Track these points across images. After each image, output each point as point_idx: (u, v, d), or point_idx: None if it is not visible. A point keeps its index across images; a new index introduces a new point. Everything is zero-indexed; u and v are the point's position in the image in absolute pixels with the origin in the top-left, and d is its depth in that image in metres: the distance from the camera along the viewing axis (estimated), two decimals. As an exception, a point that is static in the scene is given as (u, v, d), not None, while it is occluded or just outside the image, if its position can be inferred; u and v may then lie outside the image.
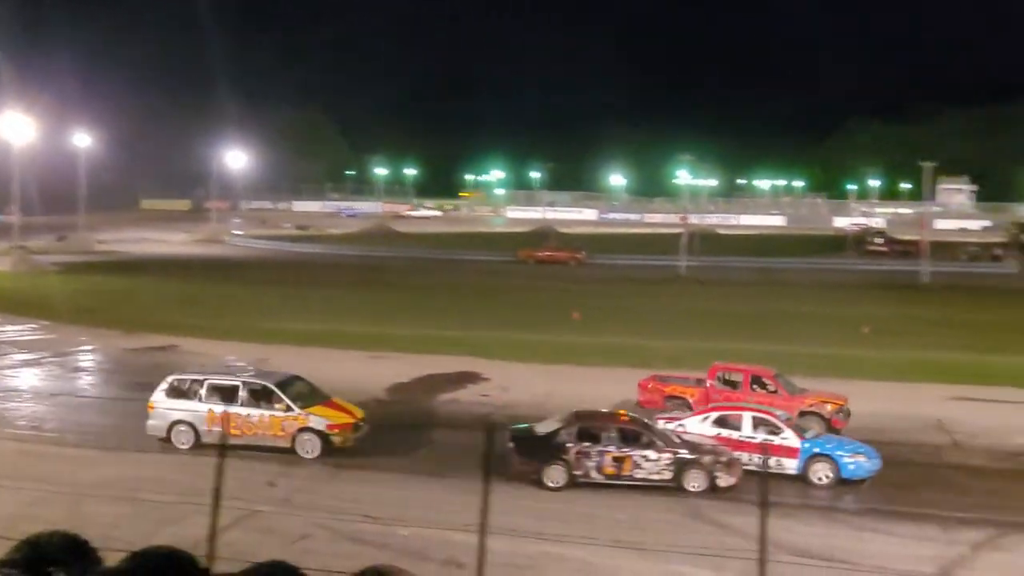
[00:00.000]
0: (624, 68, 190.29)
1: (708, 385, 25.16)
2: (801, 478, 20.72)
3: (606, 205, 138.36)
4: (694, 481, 19.75)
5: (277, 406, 21.75)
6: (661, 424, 21.58)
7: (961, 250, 76.96)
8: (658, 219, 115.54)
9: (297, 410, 21.72)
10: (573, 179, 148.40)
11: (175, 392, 22.37)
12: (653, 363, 32.19)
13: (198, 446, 21.50)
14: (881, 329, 38.89)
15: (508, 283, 58.02)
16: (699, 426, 21.62)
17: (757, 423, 21.36)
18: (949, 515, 18.58)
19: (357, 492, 19.18)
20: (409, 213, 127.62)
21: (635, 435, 20.26)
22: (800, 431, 21.49)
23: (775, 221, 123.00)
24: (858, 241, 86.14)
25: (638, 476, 20.00)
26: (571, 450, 19.98)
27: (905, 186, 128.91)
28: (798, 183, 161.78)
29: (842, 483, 20.65)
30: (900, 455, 22.39)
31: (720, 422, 21.63)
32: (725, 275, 62.74)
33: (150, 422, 22.32)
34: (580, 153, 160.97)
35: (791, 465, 20.79)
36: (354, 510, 17.74)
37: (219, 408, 21.75)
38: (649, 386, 25.86)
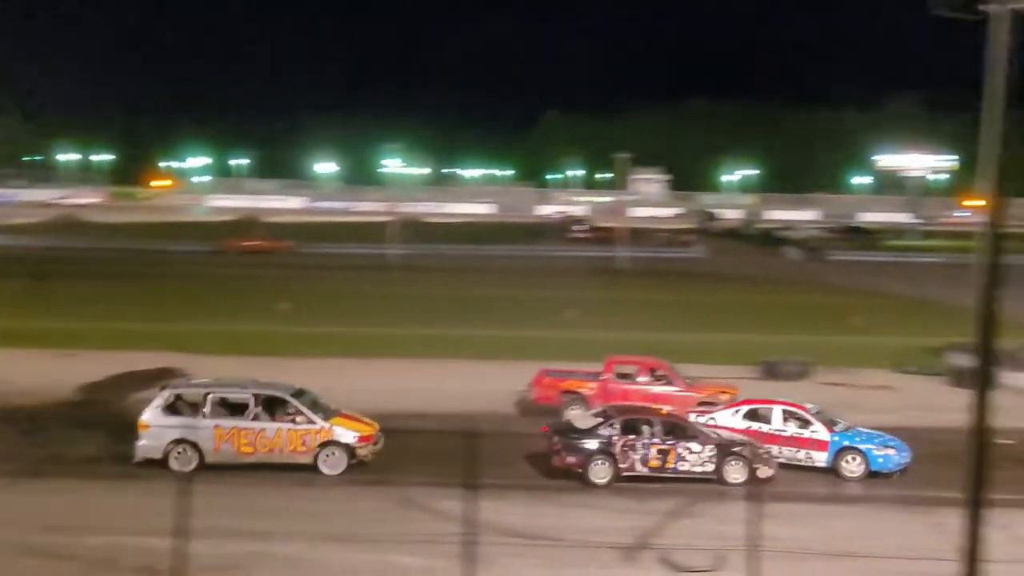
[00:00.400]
0: (333, 55, 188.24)
1: (605, 379, 25.03)
2: (832, 471, 21.13)
3: (315, 193, 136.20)
4: (735, 473, 19.94)
5: (299, 419, 19.95)
6: (692, 418, 21.73)
7: (655, 236, 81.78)
8: (368, 208, 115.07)
9: (320, 422, 19.97)
10: (280, 167, 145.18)
11: (172, 408, 20.08)
12: (364, 352, 31.96)
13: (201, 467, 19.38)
14: (585, 311, 40.55)
15: (211, 273, 55.74)
16: (730, 419, 21.83)
17: (787, 416, 21.64)
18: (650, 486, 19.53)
19: (37, 503, 17.62)
20: (89, 201, 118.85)
21: (679, 428, 20.37)
22: (830, 424, 21.72)
23: (483, 209, 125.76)
24: (561, 228, 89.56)
25: (681, 469, 19.90)
26: (616, 443, 19.84)
27: (603, 176, 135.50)
28: (505, 172, 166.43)
29: (872, 475, 21.05)
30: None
31: (751, 415, 21.90)
32: (435, 262, 63.35)
33: (142, 443, 19.87)
34: (287, 141, 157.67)
35: (821, 458, 21.17)
36: (34, 522, 16.28)
37: (228, 423, 19.75)
38: (544, 381, 25.27)
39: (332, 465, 19.92)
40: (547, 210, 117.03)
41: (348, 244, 70.73)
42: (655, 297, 48.60)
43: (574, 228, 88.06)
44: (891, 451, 21.24)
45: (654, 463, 20.04)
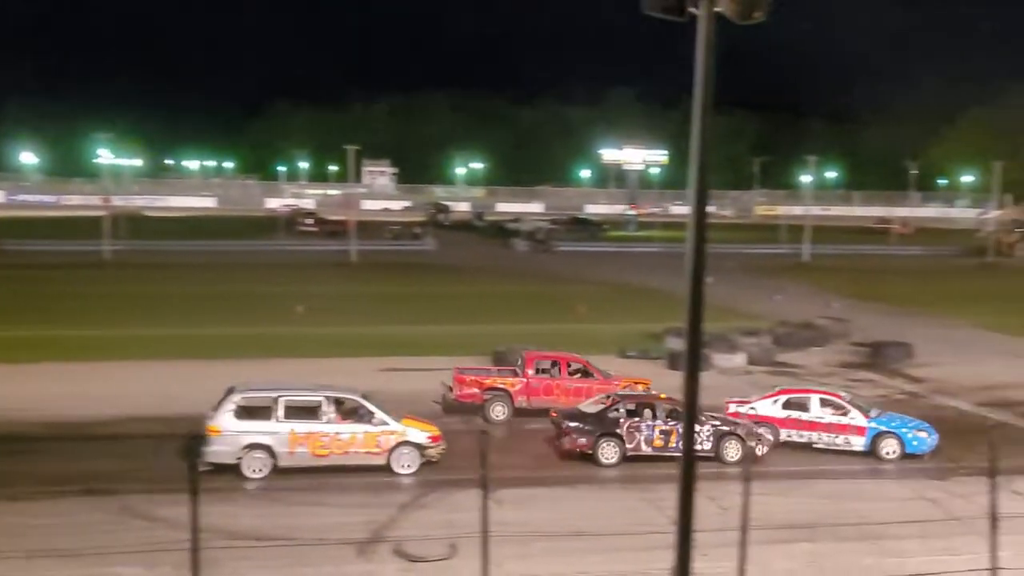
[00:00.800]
0: (36, 36, 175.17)
1: (527, 375, 25.46)
2: (871, 454, 22.42)
3: (15, 186, 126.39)
4: (732, 451, 21.45)
5: (374, 420, 20.02)
6: (733, 408, 23.11)
7: (386, 229, 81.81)
8: (78, 201, 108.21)
9: (394, 424, 20.21)
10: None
11: (244, 412, 19.60)
12: (86, 354, 30.35)
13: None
14: (315, 307, 39.99)
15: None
16: (770, 408, 23.09)
17: (824, 404, 22.92)
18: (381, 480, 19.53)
19: None
20: None
21: (679, 411, 20.58)
22: (865, 411, 22.87)
23: (206, 202, 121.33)
24: (290, 222, 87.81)
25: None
26: (623, 425, 21.24)
27: (333, 168, 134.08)
28: (228, 164, 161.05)
29: (906, 457, 22.32)
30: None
31: (789, 404, 23.12)
32: (156, 258, 60.45)
33: (213, 448, 19.19)
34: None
35: (858, 443, 22.50)
36: None
37: (303, 427, 19.72)
38: (468, 379, 25.42)
39: (406, 465, 20.33)
40: (275, 203, 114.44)
41: (57, 240, 66.10)
42: (386, 290, 48.67)
43: (303, 221, 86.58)
44: (923, 434, 22.69)
45: (658, 443, 21.52)
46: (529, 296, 48.44)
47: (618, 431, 21.49)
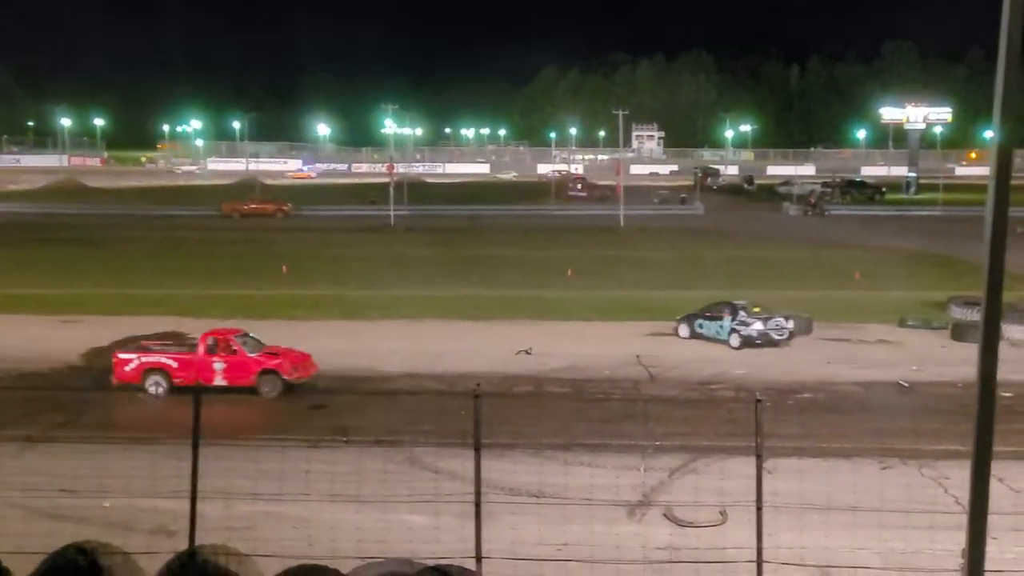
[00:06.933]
0: (329, 16, 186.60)
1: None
2: None
3: (312, 155, 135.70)
4: None
5: None
6: None
7: (654, 194, 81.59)
8: (365, 169, 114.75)
9: None
10: (277, 129, 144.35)
11: None
12: (365, 313, 32.18)
13: None
14: (583, 271, 40.60)
15: (212, 237, 55.73)
16: None
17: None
18: (648, 444, 19.67)
19: (51, 466, 17.74)
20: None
21: None
22: None
23: (481, 169, 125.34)
24: (559, 187, 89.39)
25: None
26: None
27: (601, 134, 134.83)
28: (501, 131, 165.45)
29: None
30: (604, 391, 23.48)
31: None
32: (434, 223, 63.28)
33: None
34: (284, 102, 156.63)
35: None
36: (48, 485, 16.40)
37: None
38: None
39: None
40: (545, 169, 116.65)
41: (347, 206, 70.53)
42: (651, 256, 48.50)
43: (573, 186, 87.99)
44: None
45: None
46: (798, 261, 46.94)
47: None
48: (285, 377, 23.86)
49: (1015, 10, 6.92)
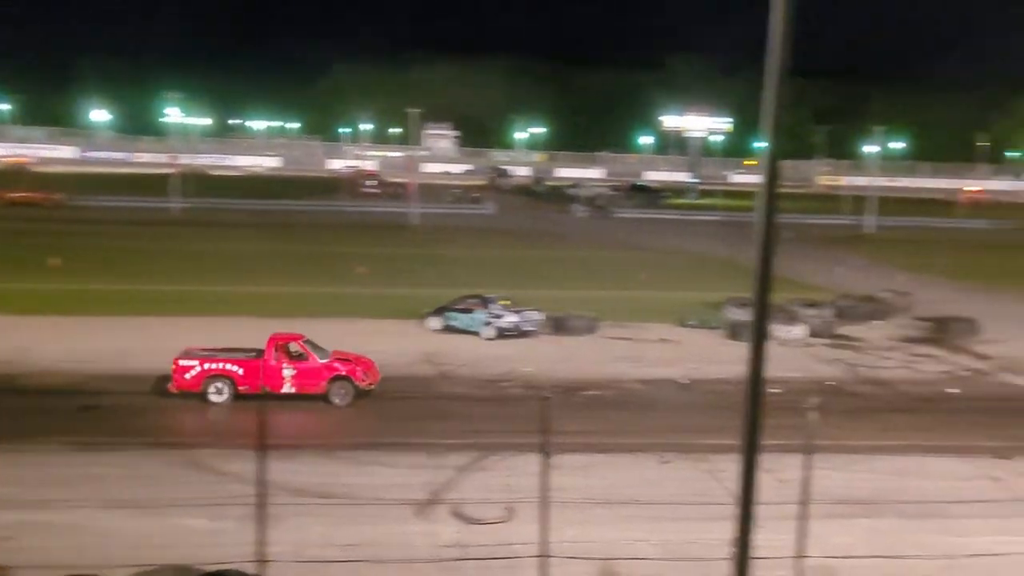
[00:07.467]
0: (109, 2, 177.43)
1: None
2: None
3: (88, 143, 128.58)
4: None
5: None
6: None
7: (446, 192, 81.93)
8: (147, 159, 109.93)
9: None
10: (48, 114, 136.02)
11: None
12: (151, 309, 30.91)
13: None
14: (375, 268, 40.31)
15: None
16: None
17: None
18: (437, 442, 19.70)
19: None
20: None
21: None
22: None
23: (271, 162, 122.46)
24: (352, 183, 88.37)
25: None
26: None
27: (395, 131, 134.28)
28: (293, 125, 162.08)
29: None
30: (398, 389, 23.40)
31: None
32: (221, 217, 61.26)
33: None
34: (55, 86, 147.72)
35: None
36: None
37: None
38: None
39: None
40: (338, 164, 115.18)
41: (127, 197, 67.24)
42: (446, 253, 48.78)
43: (366, 183, 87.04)
44: None
45: None
46: (585, 261, 48.20)
47: None
48: (357, 384, 22.80)
49: (784, 33, 7.33)
